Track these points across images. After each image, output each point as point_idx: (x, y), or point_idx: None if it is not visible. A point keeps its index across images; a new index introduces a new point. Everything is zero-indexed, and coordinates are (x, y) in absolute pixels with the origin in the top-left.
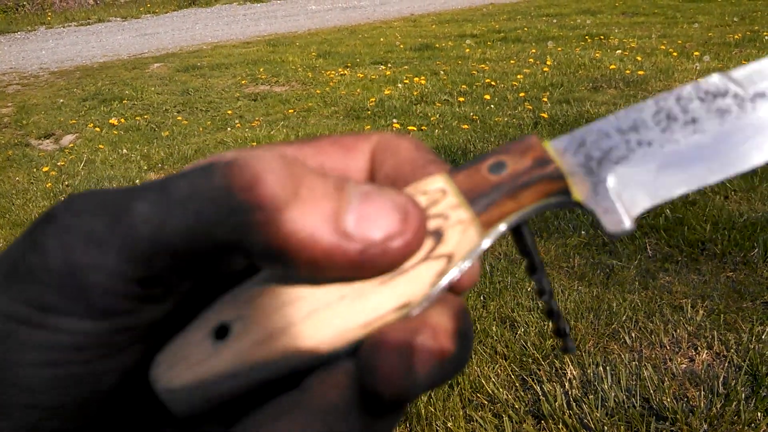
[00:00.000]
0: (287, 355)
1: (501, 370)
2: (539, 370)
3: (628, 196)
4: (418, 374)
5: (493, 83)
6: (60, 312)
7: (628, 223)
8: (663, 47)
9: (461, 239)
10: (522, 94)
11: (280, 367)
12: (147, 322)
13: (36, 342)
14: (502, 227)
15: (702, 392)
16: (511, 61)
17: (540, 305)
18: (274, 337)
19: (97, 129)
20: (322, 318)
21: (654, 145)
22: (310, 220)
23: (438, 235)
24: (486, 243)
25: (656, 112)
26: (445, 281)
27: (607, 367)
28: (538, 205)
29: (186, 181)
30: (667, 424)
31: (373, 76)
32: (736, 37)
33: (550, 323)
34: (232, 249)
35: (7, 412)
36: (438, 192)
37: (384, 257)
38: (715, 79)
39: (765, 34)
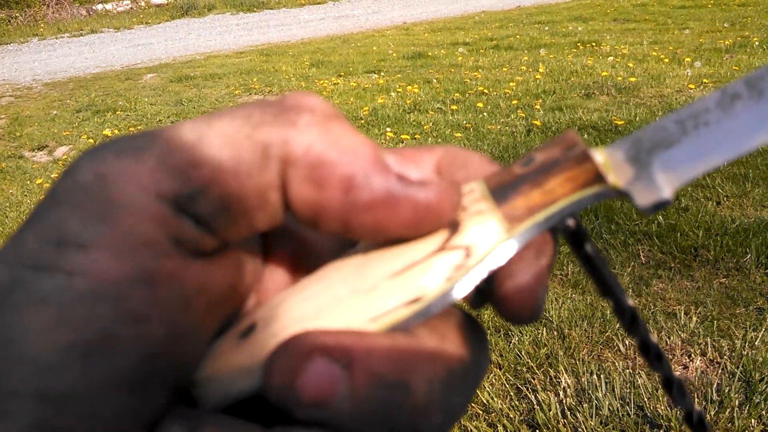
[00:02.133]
0: None
1: (495, 379)
2: (533, 379)
3: (671, 172)
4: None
5: (485, 91)
6: (79, 243)
7: (666, 192)
8: (654, 53)
9: (480, 230)
10: (515, 102)
11: None
12: (177, 281)
13: (46, 292)
14: (533, 224)
15: (696, 399)
16: (504, 69)
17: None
18: (284, 334)
19: (91, 140)
20: (331, 313)
21: (711, 125)
22: (355, 137)
23: (454, 226)
24: (516, 242)
25: (721, 98)
26: (467, 280)
27: (601, 375)
28: (574, 199)
29: (243, 105)
30: (661, 431)
31: (366, 85)
32: (727, 42)
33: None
34: (274, 157)
35: (10, 406)
36: (467, 192)
37: (419, 195)
38: None
39: (755, 39)
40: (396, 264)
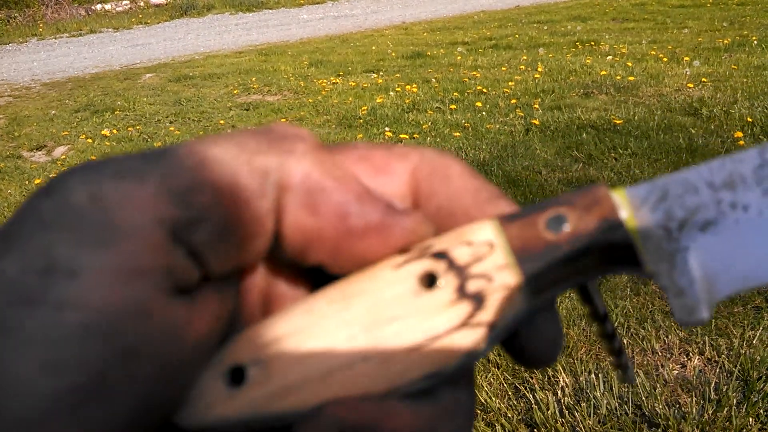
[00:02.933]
0: (302, 411)
1: (494, 378)
2: (531, 378)
3: (709, 274)
4: None
5: (484, 90)
6: (70, 269)
7: (705, 314)
8: (653, 53)
9: (505, 307)
10: (513, 101)
11: (295, 419)
12: (167, 315)
13: (31, 331)
14: (558, 290)
15: (694, 398)
16: (503, 68)
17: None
18: (289, 393)
19: (90, 140)
20: (342, 379)
21: (751, 211)
22: (342, 166)
23: (479, 300)
24: (537, 307)
25: (759, 165)
26: (486, 350)
27: (600, 375)
28: (601, 272)
29: (230, 133)
30: (659, 430)
31: (365, 85)
32: (725, 41)
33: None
34: (272, 184)
35: None
36: (485, 245)
37: (406, 224)
38: None
39: (754, 38)
40: (414, 334)
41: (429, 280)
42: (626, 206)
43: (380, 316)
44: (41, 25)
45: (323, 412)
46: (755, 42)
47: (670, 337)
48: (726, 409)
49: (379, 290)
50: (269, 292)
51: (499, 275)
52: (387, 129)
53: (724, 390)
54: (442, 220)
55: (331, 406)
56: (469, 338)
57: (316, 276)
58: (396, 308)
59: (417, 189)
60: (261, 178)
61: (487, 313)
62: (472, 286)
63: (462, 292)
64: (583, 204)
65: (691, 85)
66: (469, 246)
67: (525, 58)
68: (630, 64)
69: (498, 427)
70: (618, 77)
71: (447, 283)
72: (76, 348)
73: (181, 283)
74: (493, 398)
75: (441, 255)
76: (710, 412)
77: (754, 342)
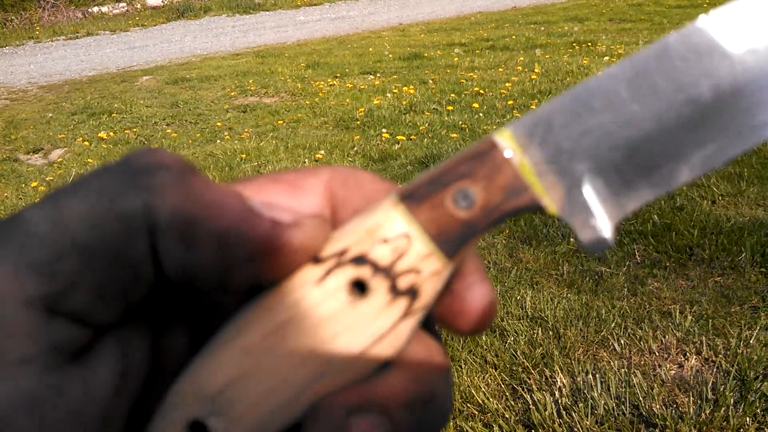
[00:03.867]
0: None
1: (491, 379)
2: (529, 379)
3: (607, 196)
4: None
5: (481, 91)
6: None
7: (607, 235)
8: None
9: (435, 287)
10: (510, 102)
11: None
12: (62, 395)
13: None
14: (470, 249)
15: (691, 398)
16: (500, 69)
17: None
18: (259, 428)
19: (86, 143)
20: (305, 397)
21: (632, 126)
22: (217, 189)
23: (413, 293)
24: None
25: (633, 77)
26: (421, 322)
27: (597, 375)
28: (506, 220)
29: (88, 174)
30: (656, 430)
31: (362, 86)
32: None
33: None
34: (140, 227)
35: None
36: (401, 238)
37: (295, 239)
38: (699, 28)
39: None
40: (362, 340)
41: (359, 288)
42: (516, 149)
43: (324, 336)
44: (38, 28)
45: (328, 407)
46: None
47: (667, 337)
48: (723, 408)
49: (312, 311)
50: (190, 312)
51: (425, 265)
52: (384, 130)
53: (722, 389)
54: None
55: (326, 399)
56: (412, 323)
57: None
58: (336, 323)
59: (333, 198)
60: (127, 226)
61: (423, 299)
62: (403, 282)
63: (395, 291)
64: (484, 173)
65: None
66: (386, 243)
67: (522, 59)
68: None
69: (496, 428)
70: None
71: (378, 286)
72: None
73: (74, 348)
74: (491, 399)
75: (361, 260)
76: (707, 411)
77: (751, 342)
